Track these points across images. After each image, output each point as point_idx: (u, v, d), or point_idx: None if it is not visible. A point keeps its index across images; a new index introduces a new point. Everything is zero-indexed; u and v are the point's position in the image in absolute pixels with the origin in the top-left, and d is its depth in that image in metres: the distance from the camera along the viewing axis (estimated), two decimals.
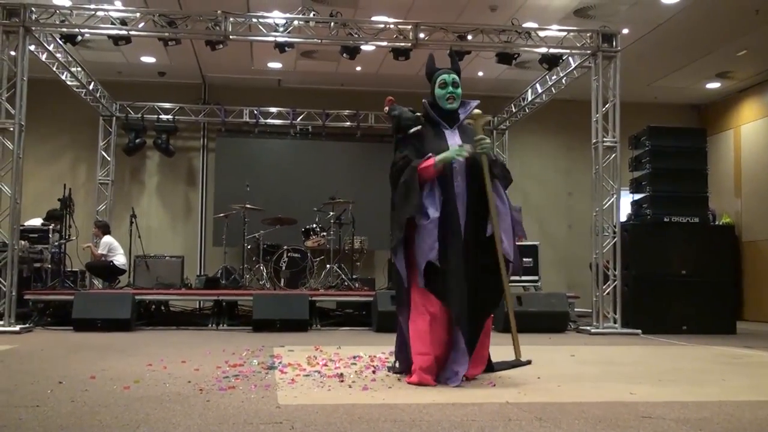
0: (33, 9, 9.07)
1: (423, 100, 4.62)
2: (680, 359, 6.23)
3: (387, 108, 4.68)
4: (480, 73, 12.48)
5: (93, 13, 9.30)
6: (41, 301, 9.35)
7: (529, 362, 4.75)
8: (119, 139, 13.32)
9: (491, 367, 4.63)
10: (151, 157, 13.68)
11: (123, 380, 4.27)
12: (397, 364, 4.66)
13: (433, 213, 4.24)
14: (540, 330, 8.79)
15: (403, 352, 4.55)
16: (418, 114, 4.56)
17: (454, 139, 4.48)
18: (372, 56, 11.17)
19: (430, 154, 4.32)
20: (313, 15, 9.56)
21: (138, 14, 9.42)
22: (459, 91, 4.54)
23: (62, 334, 8.15)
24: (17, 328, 8.22)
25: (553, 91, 11.81)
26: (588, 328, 9.24)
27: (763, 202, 12.88)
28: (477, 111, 4.57)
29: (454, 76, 4.55)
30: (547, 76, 11.56)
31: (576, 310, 10.21)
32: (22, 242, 9.41)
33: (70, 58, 10.91)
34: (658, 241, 9.50)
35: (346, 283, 10.51)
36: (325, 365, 5.04)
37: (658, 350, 7.08)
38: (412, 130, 4.49)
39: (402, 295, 4.50)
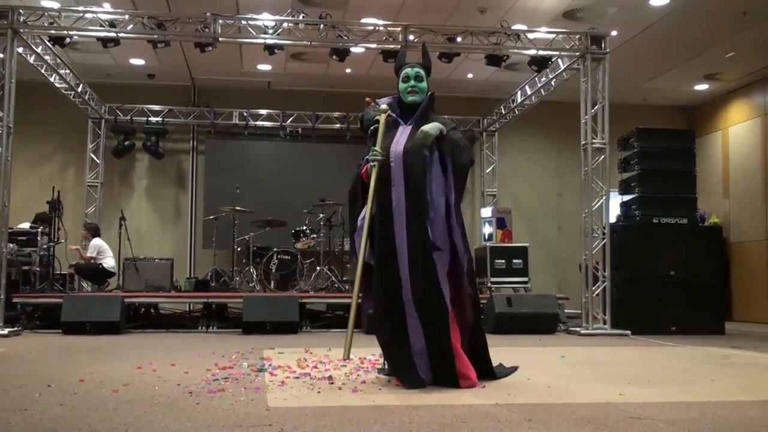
0: (21, 11, 9.04)
1: (393, 96, 4.57)
2: (669, 360, 6.25)
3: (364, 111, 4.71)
4: (469, 75, 12.50)
5: (81, 15, 9.27)
6: (30, 304, 9.31)
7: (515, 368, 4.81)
8: (108, 142, 13.28)
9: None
10: (141, 160, 13.63)
11: (112, 383, 4.25)
12: (386, 366, 4.62)
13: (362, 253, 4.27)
14: (530, 331, 8.82)
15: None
16: (385, 107, 4.43)
17: (404, 134, 4.31)
18: (362, 58, 11.18)
19: (367, 157, 4.31)
20: (303, 17, 9.56)
21: (127, 16, 9.40)
22: (423, 84, 4.39)
23: (51, 338, 8.11)
24: (5, 331, 8.18)
25: (543, 93, 11.84)
26: (578, 329, 9.27)
27: (751, 203, 12.95)
28: (383, 107, 4.42)
29: (418, 69, 4.41)
30: (536, 78, 11.60)
31: (566, 311, 10.23)
32: (11, 245, 9.36)
33: (59, 61, 10.87)
34: (647, 242, 9.54)
35: (336, 285, 10.51)
36: (315, 367, 5.03)
37: (648, 351, 7.11)
38: (371, 129, 4.47)
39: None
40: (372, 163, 4.24)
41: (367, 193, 4.27)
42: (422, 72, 4.42)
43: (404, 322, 4.19)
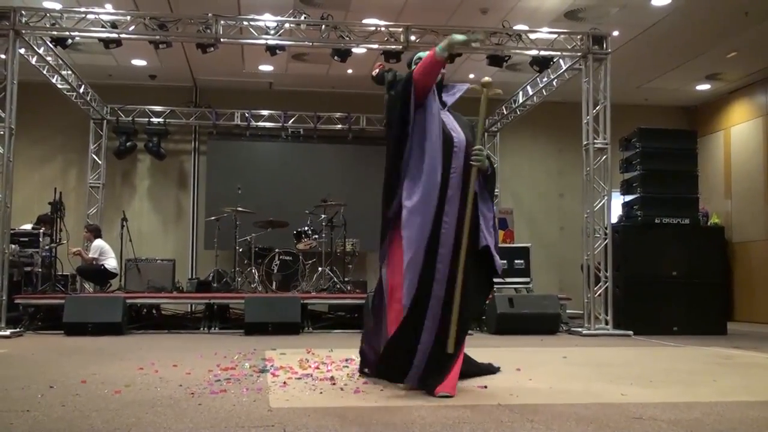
0: (23, 12, 9.05)
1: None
2: (671, 360, 6.25)
3: (377, 71, 4.38)
4: (471, 76, 12.49)
5: (83, 16, 9.28)
6: (32, 305, 9.30)
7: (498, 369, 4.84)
8: (110, 143, 13.29)
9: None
10: (143, 160, 13.64)
11: (114, 384, 4.25)
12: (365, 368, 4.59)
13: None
14: (532, 332, 8.81)
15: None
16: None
17: (448, 119, 4.20)
18: (363, 59, 11.17)
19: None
20: (304, 18, 9.57)
21: (128, 17, 9.40)
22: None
23: (53, 339, 8.12)
24: (8, 332, 8.18)
25: (544, 93, 11.84)
26: (580, 329, 9.26)
27: (753, 203, 12.94)
28: (487, 78, 4.15)
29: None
30: (537, 79, 11.59)
31: (568, 311, 10.22)
32: (13, 246, 9.37)
33: (61, 62, 10.88)
34: (649, 242, 9.53)
35: (338, 286, 10.50)
36: (317, 368, 5.03)
37: (650, 351, 7.10)
38: (413, 65, 4.19)
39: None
40: (472, 41, 4.10)
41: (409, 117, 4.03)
42: None
43: (423, 317, 3.98)
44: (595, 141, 9.63)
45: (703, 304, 9.38)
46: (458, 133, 4.14)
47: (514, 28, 9.94)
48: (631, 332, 9.02)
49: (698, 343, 7.90)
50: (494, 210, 4.25)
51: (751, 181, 13.02)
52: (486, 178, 4.23)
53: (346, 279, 10.81)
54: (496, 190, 13.61)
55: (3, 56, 8.97)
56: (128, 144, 13.18)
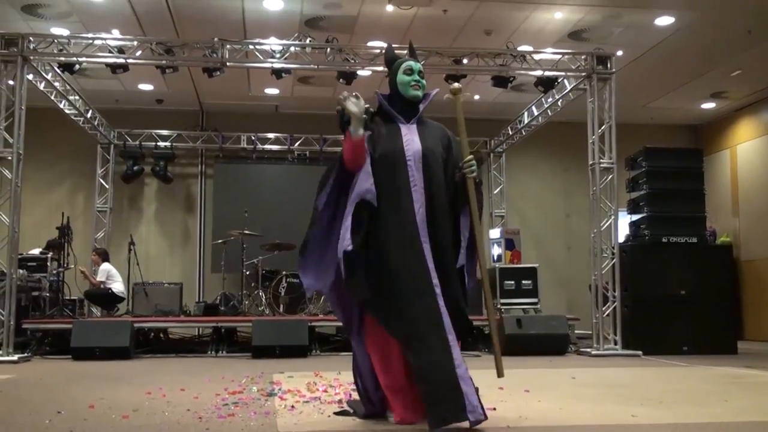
0: (31, 39, 9.13)
1: (376, 92, 4.06)
2: (681, 380, 6.20)
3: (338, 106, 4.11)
4: (476, 97, 12.53)
5: (91, 41, 9.37)
6: (39, 330, 9.31)
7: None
8: (117, 167, 13.34)
9: None
10: (149, 184, 13.69)
11: (122, 409, 4.24)
12: (355, 408, 4.03)
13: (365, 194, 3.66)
14: (540, 352, 8.77)
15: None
16: (368, 106, 3.97)
17: (411, 135, 3.84)
18: (368, 81, 11.21)
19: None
20: (310, 41, 9.63)
21: (135, 42, 9.48)
22: (424, 81, 3.94)
23: (61, 363, 8.11)
24: (15, 357, 8.16)
25: (549, 113, 11.86)
26: (588, 350, 9.21)
27: (761, 221, 12.90)
28: (456, 84, 3.88)
29: (420, 65, 4.00)
30: (542, 99, 11.62)
31: (576, 332, 10.18)
32: (21, 271, 9.39)
33: (68, 87, 10.95)
34: (657, 261, 9.49)
35: None
36: (325, 391, 5.01)
37: (659, 371, 7.05)
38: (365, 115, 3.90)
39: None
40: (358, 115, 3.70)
41: (345, 177, 3.74)
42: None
43: (446, 340, 3.52)
44: (601, 160, 9.62)
45: (713, 323, 9.32)
46: (413, 146, 3.82)
47: (519, 49, 9.99)
48: (640, 352, 8.96)
49: (708, 362, 7.84)
50: (471, 227, 3.82)
51: (759, 199, 12.99)
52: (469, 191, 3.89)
53: None
54: (502, 211, 13.89)
55: (11, 82, 9.04)
56: (135, 168, 13.22)
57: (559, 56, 9.98)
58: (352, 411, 4.00)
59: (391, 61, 4.08)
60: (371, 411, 3.85)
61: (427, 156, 3.80)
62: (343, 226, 3.67)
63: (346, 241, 3.61)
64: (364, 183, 3.69)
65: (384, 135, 3.85)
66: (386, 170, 3.76)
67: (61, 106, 11.17)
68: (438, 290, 3.59)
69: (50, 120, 11.90)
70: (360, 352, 3.85)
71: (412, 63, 3.98)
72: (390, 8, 9.23)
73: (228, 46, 9.48)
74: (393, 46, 4.33)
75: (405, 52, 4.16)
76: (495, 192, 14.08)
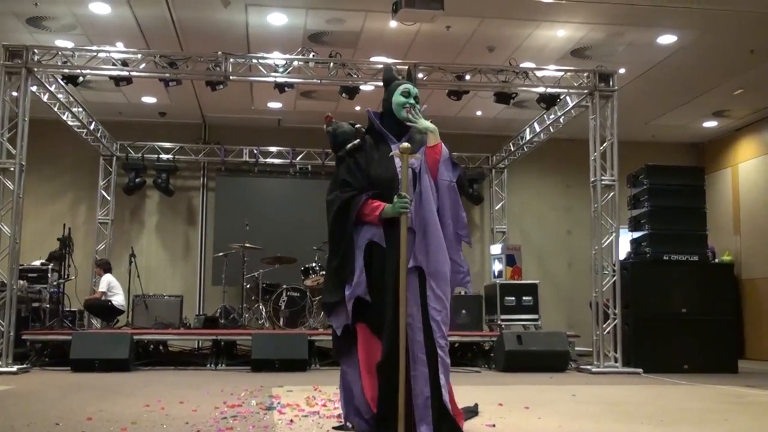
0: (35, 50, 9.17)
1: (368, 109, 4.15)
2: (682, 399, 6.18)
3: (325, 126, 4.26)
4: (478, 113, 12.57)
5: (95, 54, 9.40)
6: (39, 341, 9.30)
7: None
8: (119, 179, 13.36)
9: None
10: (151, 197, 13.70)
11: (120, 422, 4.23)
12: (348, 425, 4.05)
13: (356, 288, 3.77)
14: (540, 369, 8.74)
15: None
16: (359, 125, 4.08)
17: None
18: (371, 96, 11.23)
19: (378, 204, 3.83)
20: (313, 56, 9.66)
21: (139, 55, 9.51)
22: (419, 107, 4.01)
23: (60, 375, 8.09)
24: (14, 368, 8.14)
25: (551, 130, 11.89)
26: (589, 367, 9.18)
27: (762, 239, 12.89)
28: (405, 145, 3.80)
29: (417, 91, 4.06)
30: (545, 116, 11.64)
31: (576, 349, 10.15)
32: (21, 282, 9.39)
33: (72, 99, 10.99)
34: (658, 279, 9.48)
35: None
36: (324, 405, 5.00)
37: (660, 390, 7.03)
38: (349, 145, 4.04)
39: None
40: (399, 208, 3.73)
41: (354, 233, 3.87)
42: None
43: (409, 369, 3.66)
44: (603, 177, 9.63)
45: (714, 342, 9.29)
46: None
47: (521, 65, 10.02)
48: (640, 370, 8.93)
49: (709, 381, 7.82)
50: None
51: (760, 218, 12.98)
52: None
53: None
54: (504, 227, 13.90)
55: (15, 93, 9.07)
56: (137, 180, 13.24)
57: (562, 73, 10.01)
58: (350, 426, 3.99)
59: (389, 81, 4.14)
60: (366, 429, 3.84)
61: (418, 177, 3.88)
62: (357, 266, 3.81)
63: (360, 288, 3.76)
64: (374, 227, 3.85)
65: (376, 160, 3.96)
66: (380, 195, 3.86)
67: (65, 117, 11.20)
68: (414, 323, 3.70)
69: (53, 132, 11.93)
70: (352, 372, 3.94)
71: (410, 86, 4.04)
72: (393, 24, 9.26)
73: (231, 60, 9.52)
74: (395, 62, 4.36)
75: (405, 68, 4.16)
76: (496, 208, 14.09)
